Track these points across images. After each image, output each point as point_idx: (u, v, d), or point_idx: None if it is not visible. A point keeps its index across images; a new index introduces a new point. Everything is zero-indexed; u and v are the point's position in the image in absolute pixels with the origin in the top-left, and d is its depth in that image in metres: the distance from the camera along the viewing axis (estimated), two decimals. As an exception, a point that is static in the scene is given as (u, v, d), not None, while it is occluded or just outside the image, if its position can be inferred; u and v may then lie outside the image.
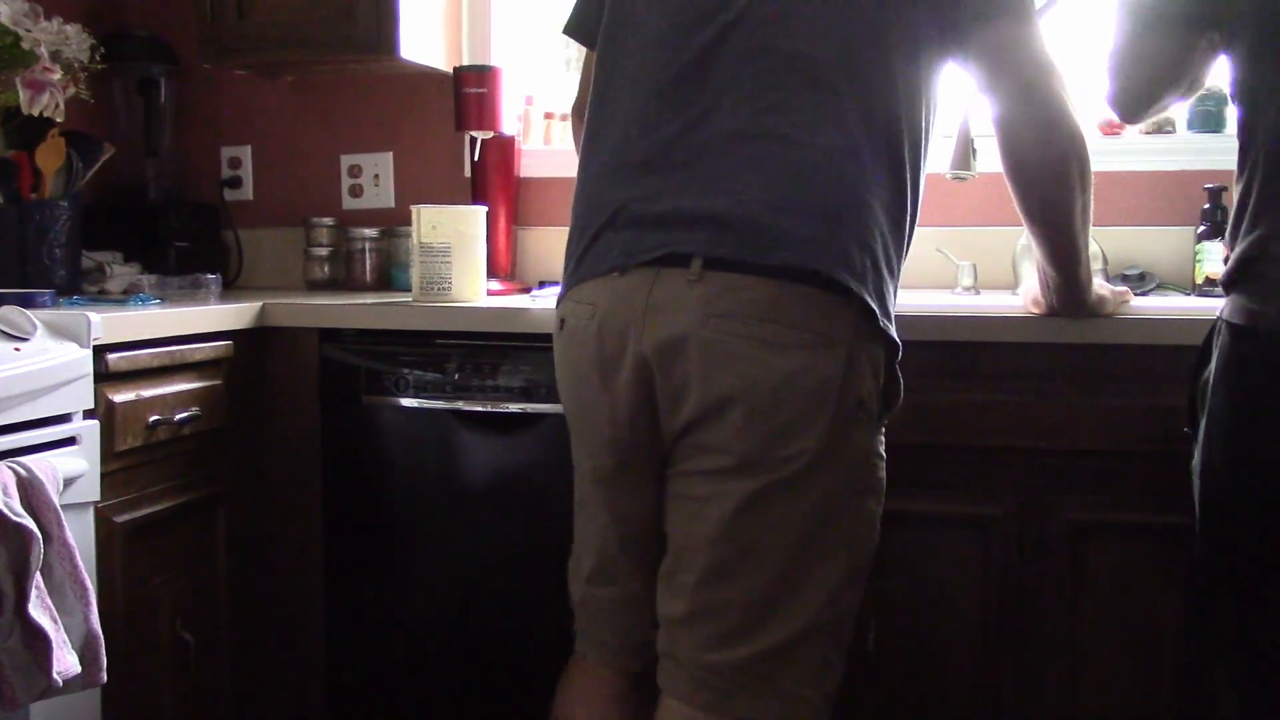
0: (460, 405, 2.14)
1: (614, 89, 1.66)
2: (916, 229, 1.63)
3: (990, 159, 1.86)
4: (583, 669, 1.74)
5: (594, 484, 1.65)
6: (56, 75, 2.23)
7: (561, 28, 1.84)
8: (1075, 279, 1.77)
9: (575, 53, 2.90)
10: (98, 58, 2.34)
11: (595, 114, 1.69)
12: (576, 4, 1.81)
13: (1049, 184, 1.65)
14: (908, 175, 1.56)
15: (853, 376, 1.51)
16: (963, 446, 1.92)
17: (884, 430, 1.60)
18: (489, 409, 2.13)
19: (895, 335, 1.56)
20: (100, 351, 1.83)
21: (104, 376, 1.85)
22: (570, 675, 1.76)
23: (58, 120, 2.26)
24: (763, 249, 1.48)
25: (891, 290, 1.56)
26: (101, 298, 2.28)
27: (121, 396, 1.89)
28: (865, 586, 1.60)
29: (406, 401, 2.17)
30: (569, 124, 2.80)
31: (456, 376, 2.14)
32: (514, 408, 2.11)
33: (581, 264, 1.62)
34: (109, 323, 1.85)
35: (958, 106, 2.22)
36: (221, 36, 2.57)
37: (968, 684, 1.95)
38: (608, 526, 1.64)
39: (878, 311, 1.51)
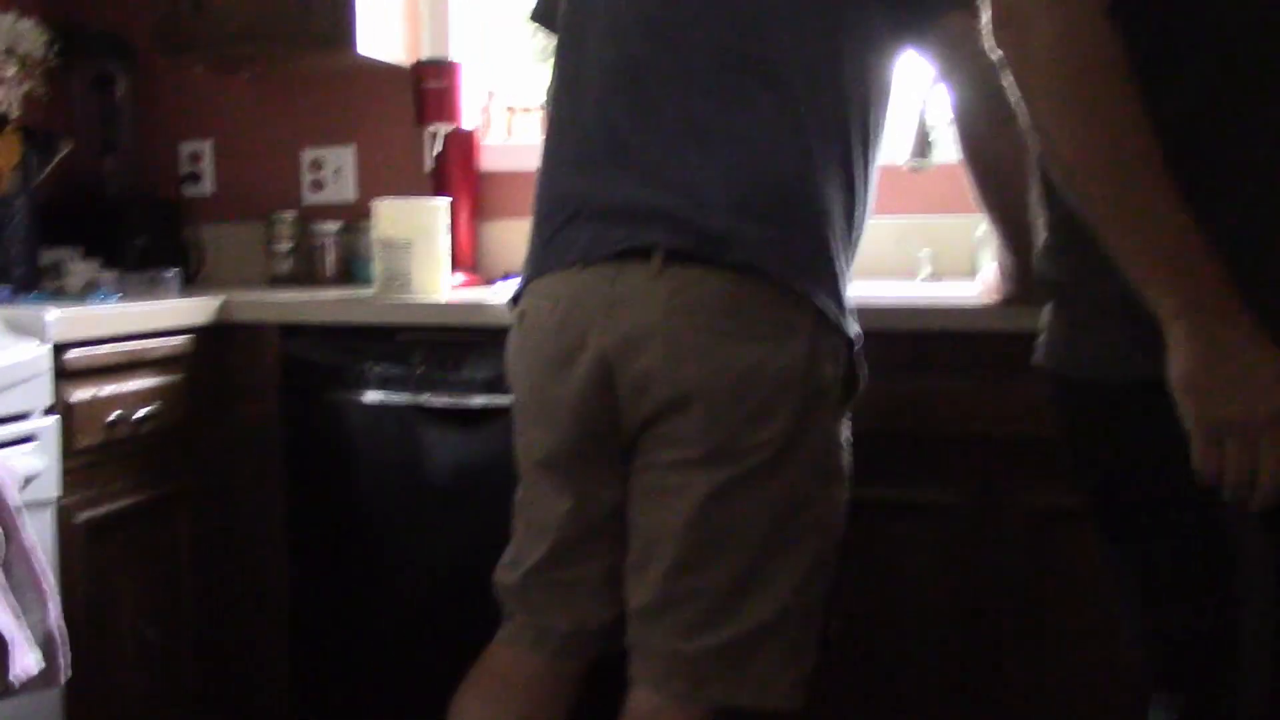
0: (424, 400, 2.14)
1: (575, 80, 1.67)
2: (875, 218, 1.65)
3: (948, 148, 1.87)
4: (507, 659, 1.72)
5: (550, 472, 1.65)
6: (12, 71, 2.22)
7: (528, 15, 1.85)
8: (1031, 266, 1.79)
9: (539, 45, 2.91)
10: (54, 53, 2.32)
11: (556, 105, 1.70)
12: None
13: (1006, 172, 1.67)
14: (860, 170, 1.59)
15: (815, 366, 1.53)
16: (922, 435, 1.93)
17: (848, 418, 1.62)
18: (453, 403, 2.13)
19: (854, 327, 1.58)
20: (59, 348, 1.83)
21: (63, 373, 1.84)
22: (488, 665, 1.74)
23: (14, 116, 2.24)
24: (720, 248, 1.50)
25: (845, 282, 1.58)
26: (60, 294, 2.26)
27: (81, 393, 1.88)
28: (833, 573, 1.61)
29: (369, 396, 2.16)
30: (531, 118, 2.82)
31: (419, 371, 2.14)
32: (478, 401, 2.11)
33: (543, 257, 1.63)
34: (68, 319, 1.84)
35: (914, 96, 2.23)
36: (178, 31, 2.55)
37: (930, 671, 1.96)
38: (571, 512, 1.64)
39: (834, 309, 1.54)
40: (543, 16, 1.81)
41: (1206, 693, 1.26)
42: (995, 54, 1.15)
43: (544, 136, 1.72)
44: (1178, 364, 1.07)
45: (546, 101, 1.82)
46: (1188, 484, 1.14)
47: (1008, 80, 1.15)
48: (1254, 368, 1.06)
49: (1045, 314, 1.33)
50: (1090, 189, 1.11)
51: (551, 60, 1.79)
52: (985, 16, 1.14)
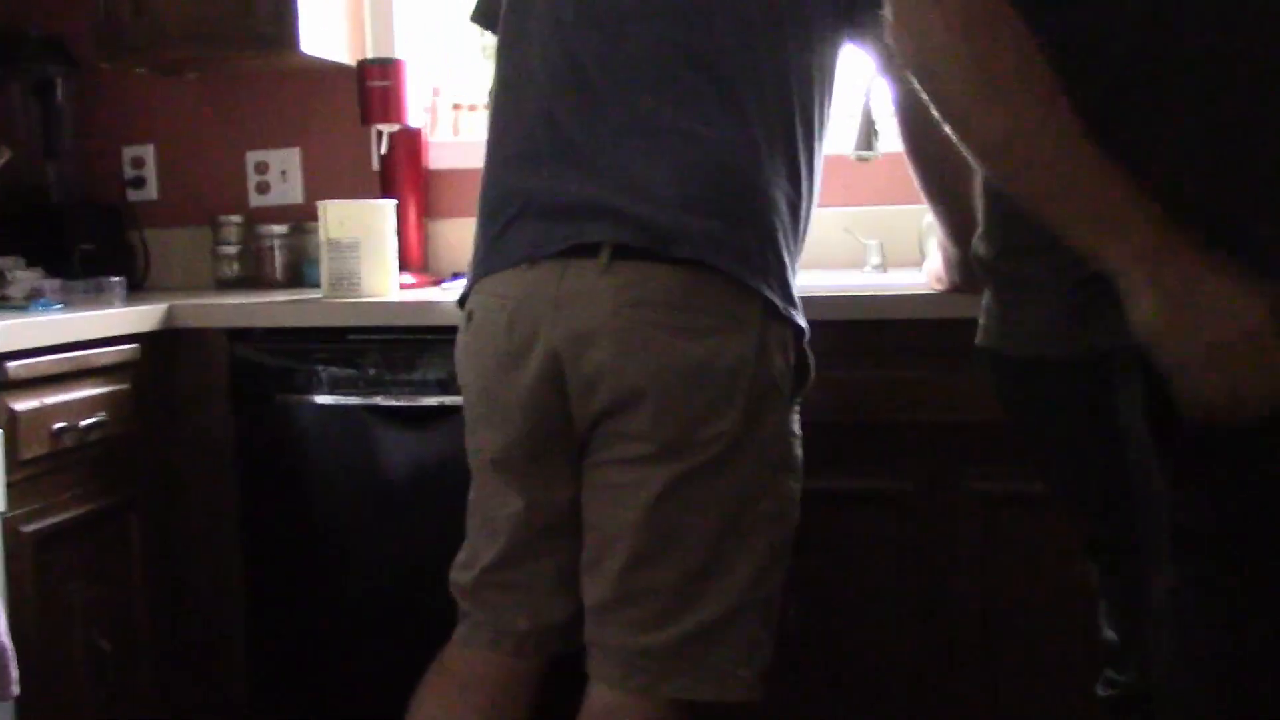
0: (376, 400, 2.13)
1: (517, 78, 1.67)
2: (823, 209, 1.66)
3: (893, 139, 1.89)
4: (465, 658, 1.72)
5: (502, 471, 1.65)
6: (-53, 78, 2.18)
7: (469, 16, 1.84)
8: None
9: (486, 42, 2.90)
10: (-10, 59, 2.29)
11: (499, 104, 1.70)
12: None
13: (948, 163, 1.67)
14: (805, 162, 1.60)
15: (764, 358, 1.53)
16: (871, 423, 1.94)
17: (798, 409, 1.63)
18: (405, 403, 2.12)
19: (801, 319, 1.59)
20: (1, 358, 1.80)
21: (6, 384, 1.82)
22: (445, 666, 1.73)
23: (-49, 124, 2.21)
24: (667, 243, 1.50)
25: (792, 275, 1.59)
26: (3, 304, 2.23)
27: (24, 404, 1.86)
28: (788, 564, 1.62)
29: (321, 399, 2.15)
30: (477, 115, 2.81)
31: (371, 372, 2.13)
32: (430, 401, 2.11)
33: (490, 256, 1.62)
34: (10, 330, 1.82)
35: (858, 87, 2.24)
36: (118, 34, 2.52)
37: (886, 658, 1.98)
38: (523, 512, 1.64)
39: (781, 302, 1.55)
40: (483, 17, 1.81)
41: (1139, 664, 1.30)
42: (896, 51, 1.15)
43: (487, 135, 1.72)
44: (1140, 313, 1.06)
45: (489, 100, 1.82)
46: (1127, 453, 1.16)
47: (911, 76, 1.14)
48: (1216, 295, 1.05)
49: (984, 297, 1.35)
50: (1011, 165, 1.11)
51: (493, 59, 1.79)
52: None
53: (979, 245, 1.33)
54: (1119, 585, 1.35)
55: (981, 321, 1.35)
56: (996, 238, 1.28)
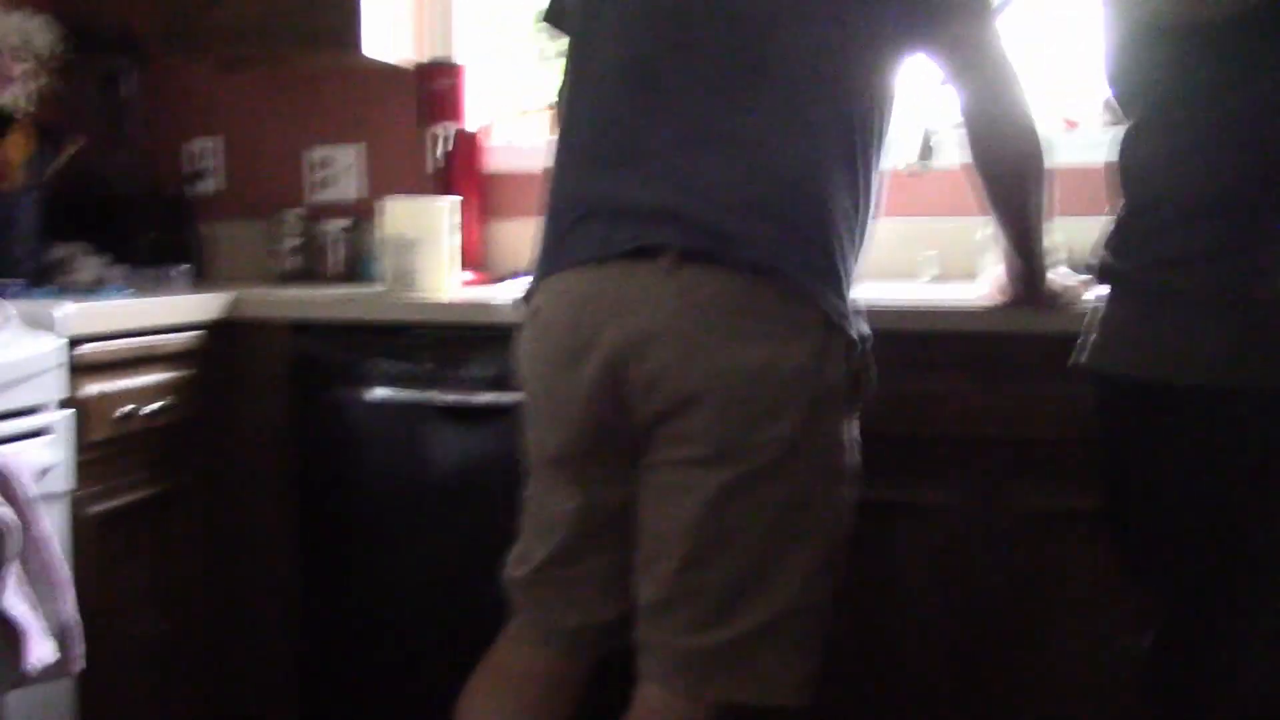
0: (431, 396, 2.15)
1: (586, 81, 1.68)
2: (879, 221, 1.67)
3: (950, 152, 1.90)
4: (515, 655, 1.73)
5: (560, 469, 1.66)
6: (22, 68, 2.23)
7: (539, 15, 1.86)
8: (1036, 269, 1.82)
9: (543, 47, 2.93)
10: (65, 50, 2.34)
11: (569, 105, 1.72)
12: None
13: (1012, 176, 1.70)
14: (867, 173, 1.60)
15: (823, 364, 1.54)
16: (923, 435, 1.95)
17: (856, 418, 1.64)
18: (460, 400, 2.15)
19: (863, 327, 1.60)
20: (72, 343, 1.84)
21: (76, 368, 1.85)
22: (495, 662, 1.75)
23: (25, 112, 2.25)
24: (730, 248, 1.52)
25: (852, 283, 1.60)
26: (71, 289, 2.27)
27: (94, 388, 1.90)
28: (840, 571, 1.63)
29: (377, 393, 2.18)
30: (535, 119, 2.83)
31: (427, 368, 2.16)
32: (485, 398, 2.13)
33: (555, 255, 1.64)
34: (81, 314, 1.86)
35: (917, 100, 2.25)
36: (188, 29, 2.57)
37: (929, 671, 1.98)
38: (580, 510, 1.66)
39: (842, 309, 1.56)
40: (554, 17, 1.83)
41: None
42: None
43: (555, 136, 1.74)
44: None
45: (558, 101, 1.83)
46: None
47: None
48: None
49: (1101, 312, 1.31)
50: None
51: (561, 61, 1.81)
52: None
53: (1108, 257, 1.30)
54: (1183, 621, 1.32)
55: (1094, 338, 1.31)
56: (1137, 248, 1.26)
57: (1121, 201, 1.36)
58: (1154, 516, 1.35)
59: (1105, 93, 1.71)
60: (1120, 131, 1.55)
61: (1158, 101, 1.44)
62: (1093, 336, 1.31)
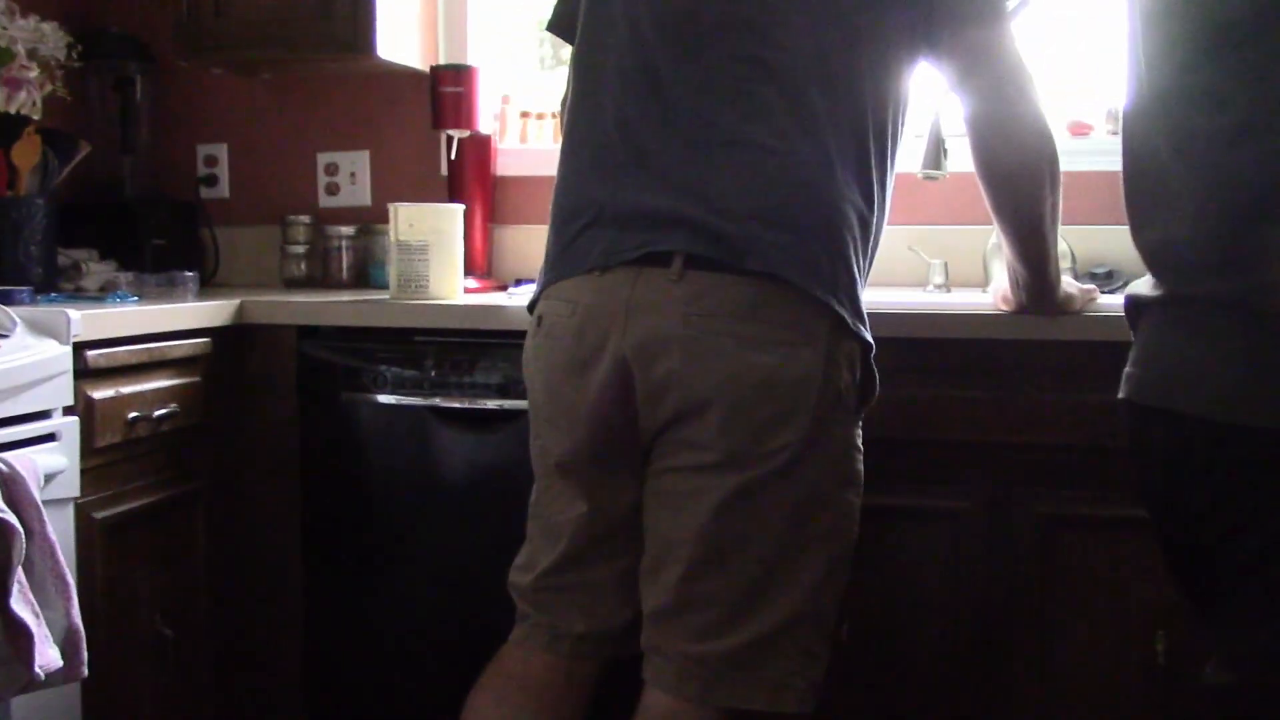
0: (438, 402, 2.16)
1: (593, 87, 1.68)
2: (888, 227, 1.67)
3: (961, 158, 1.89)
4: (521, 659, 1.73)
5: (566, 475, 1.66)
6: (33, 73, 2.24)
7: (544, 25, 1.86)
8: (1044, 276, 1.81)
9: (550, 51, 2.93)
10: (74, 55, 2.35)
11: (574, 113, 1.72)
12: (558, 1, 1.83)
13: (1020, 182, 1.69)
14: (876, 179, 1.60)
15: (831, 371, 1.54)
16: (932, 441, 1.94)
17: (861, 424, 1.64)
18: (466, 405, 2.15)
19: (868, 334, 1.59)
20: (79, 348, 1.84)
21: (83, 373, 1.85)
22: (501, 666, 1.75)
23: (34, 118, 2.26)
24: (739, 254, 1.51)
25: (861, 290, 1.60)
26: (78, 295, 2.28)
27: (101, 393, 1.90)
28: (847, 578, 1.63)
29: (384, 398, 2.18)
30: (545, 123, 2.83)
31: (434, 373, 2.16)
32: (491, 404, 2.13)
33: (562, 262, 1.64)
34: (88, 319, 1.86)
35: (929, 106, 2.25)
36: (198, 34, 2.57)
37: (940, 676, 1.97)
38: (586, 516, 1.66)
39: (850, 316, 1.56)
40: (559, 27, 1.83)
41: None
42: None
43: (561, 143, 1.74)
44: None
45: (562, 109, 1.84)
46: None
47: None
48: None
49: (1149, 345, 1.32)
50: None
51: (566, 67, 1.81)
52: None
53: (1142, 287, 1.31)
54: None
55: (1140, 371, 1.32)
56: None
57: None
58: (1235, 559, 1.34)
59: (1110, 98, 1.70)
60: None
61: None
62: (1136, 369, 1.32)
